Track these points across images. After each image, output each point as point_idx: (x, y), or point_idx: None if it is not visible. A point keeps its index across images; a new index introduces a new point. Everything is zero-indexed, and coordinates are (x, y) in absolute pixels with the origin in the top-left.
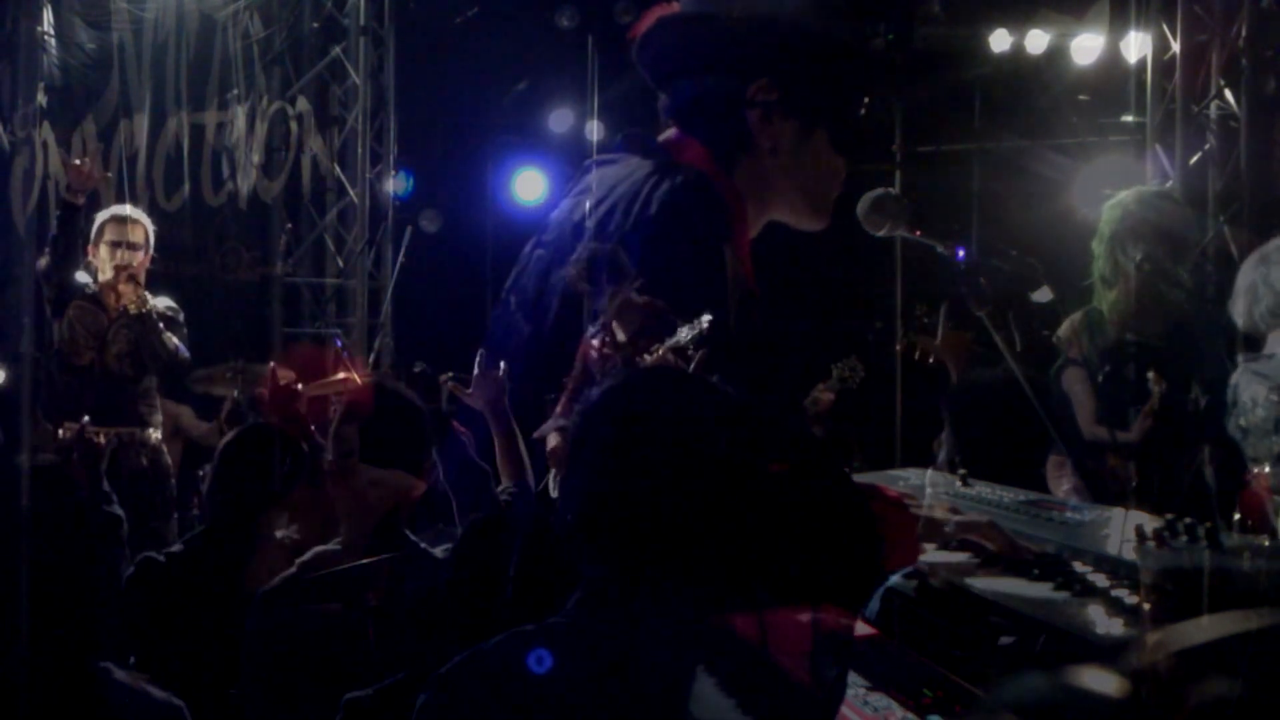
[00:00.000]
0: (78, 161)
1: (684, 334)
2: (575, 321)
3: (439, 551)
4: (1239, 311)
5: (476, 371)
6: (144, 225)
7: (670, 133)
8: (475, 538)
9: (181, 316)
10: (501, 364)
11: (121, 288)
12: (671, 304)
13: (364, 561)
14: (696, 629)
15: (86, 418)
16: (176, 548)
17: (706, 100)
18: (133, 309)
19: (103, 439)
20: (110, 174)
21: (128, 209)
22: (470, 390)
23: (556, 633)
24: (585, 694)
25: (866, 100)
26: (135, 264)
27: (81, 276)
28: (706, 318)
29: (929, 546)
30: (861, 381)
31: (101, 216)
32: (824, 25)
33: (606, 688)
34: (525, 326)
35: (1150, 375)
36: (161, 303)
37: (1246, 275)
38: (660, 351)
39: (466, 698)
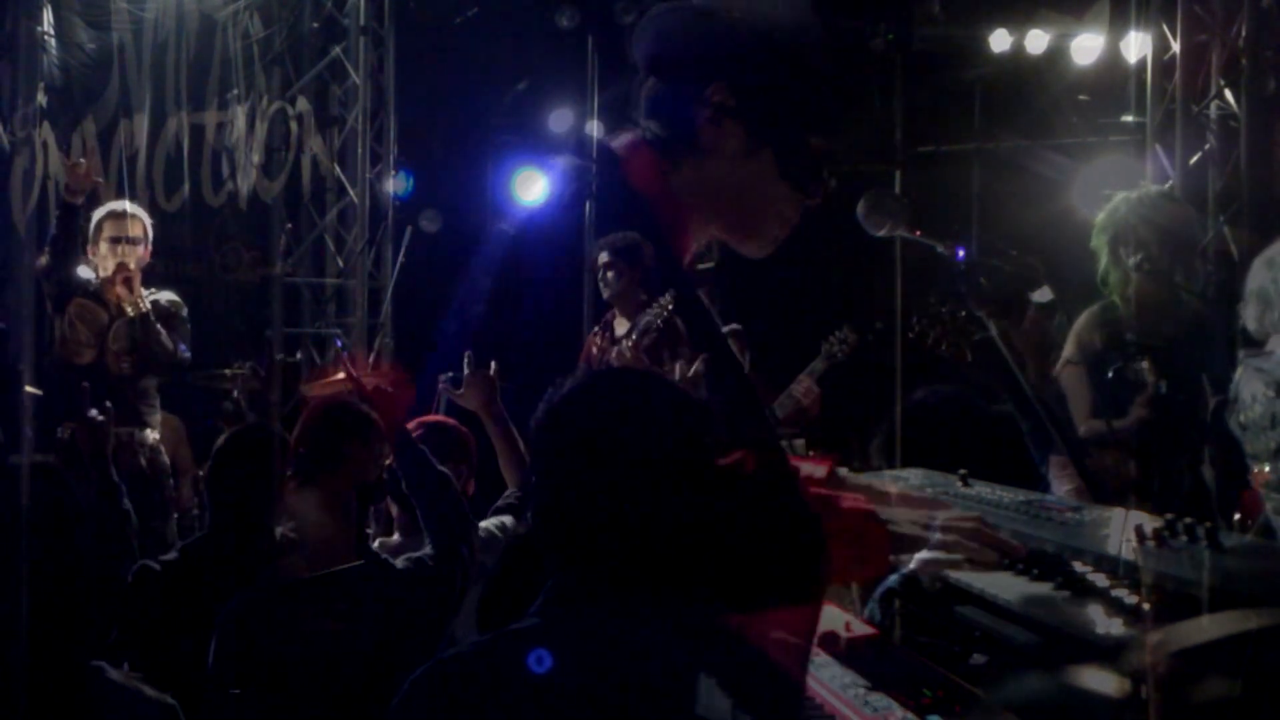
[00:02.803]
0: (77, 162)
1: (650, 316)
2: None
3: (399, 563)
4: (1251, 317)
5: (466, 373)
6: (142, 220)
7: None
8: (513, 559)
9: (184, 311)
10: (492, 364)
11: (119, 290)
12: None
13: (325, 572)
14: (659, 632)
15: (94, 410)
16: (172, 555)
17: (665, 96)
18: (130, 312)
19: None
20: (103, 180)
21: (125, 204)
22: (461, 392)
23: (521, 638)
24: (549, 699)
25: (828, 134)
26: (135, 260)
27: (84, 272)
28: (669, 295)
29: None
30: (855, 351)
31: (99, 214)
32: (795, 46)
33: (571, 692)
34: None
35: (1144, 365)
36: (164, 296)
37: (1255, 279)
38: (635, 337)
39: (430, 705)
